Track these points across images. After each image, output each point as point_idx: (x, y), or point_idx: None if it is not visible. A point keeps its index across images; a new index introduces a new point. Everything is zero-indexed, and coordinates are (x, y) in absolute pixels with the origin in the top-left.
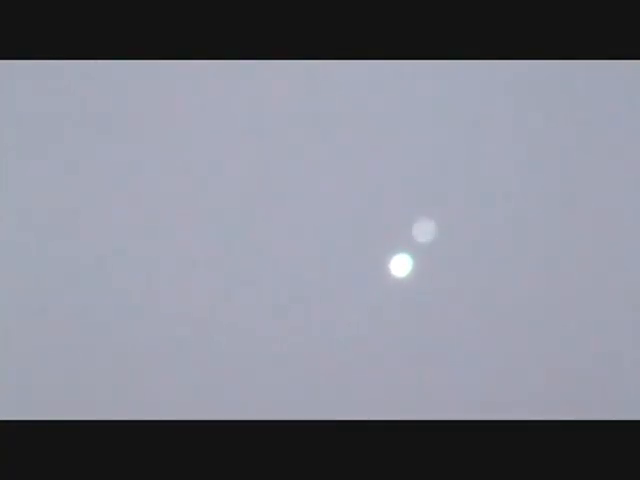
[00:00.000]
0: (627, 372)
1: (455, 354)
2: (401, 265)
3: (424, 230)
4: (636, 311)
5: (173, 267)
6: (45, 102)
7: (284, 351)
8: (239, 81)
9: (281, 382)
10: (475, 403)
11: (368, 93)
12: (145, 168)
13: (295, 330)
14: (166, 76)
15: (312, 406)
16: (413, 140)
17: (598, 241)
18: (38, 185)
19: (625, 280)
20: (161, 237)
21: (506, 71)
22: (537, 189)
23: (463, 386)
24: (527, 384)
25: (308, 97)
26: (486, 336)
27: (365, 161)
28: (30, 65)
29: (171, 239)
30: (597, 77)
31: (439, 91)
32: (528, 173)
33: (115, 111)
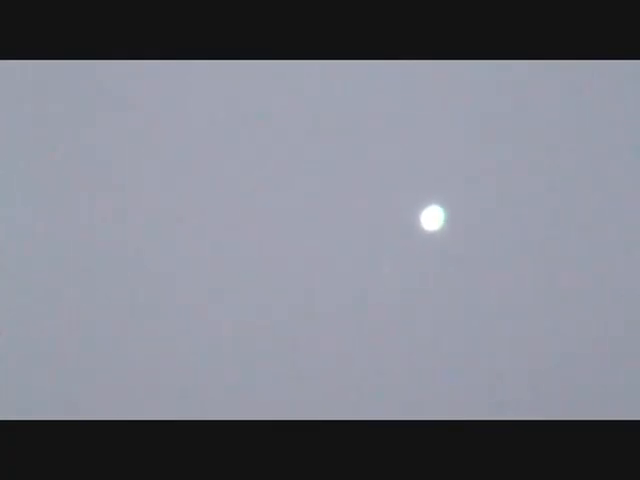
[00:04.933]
0: (627, 372)
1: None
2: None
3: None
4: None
5: (172, 267)
6: (42, 102)
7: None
8: (238, 81)
9: (280, 382)
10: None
11: (368, 93)
12: (144, 168)
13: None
14: (165, 76)
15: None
16: (413, 140)
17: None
18: (37, 185)
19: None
20: (160, 237)
21: (506, 71)
22: (537, 189)
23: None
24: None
25: (308, 97)
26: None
27: (365, 162)
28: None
29: (171, 238)
30: (597, 77)
31: (439, 91)
32: (528, 174)
33: (112, 112)
